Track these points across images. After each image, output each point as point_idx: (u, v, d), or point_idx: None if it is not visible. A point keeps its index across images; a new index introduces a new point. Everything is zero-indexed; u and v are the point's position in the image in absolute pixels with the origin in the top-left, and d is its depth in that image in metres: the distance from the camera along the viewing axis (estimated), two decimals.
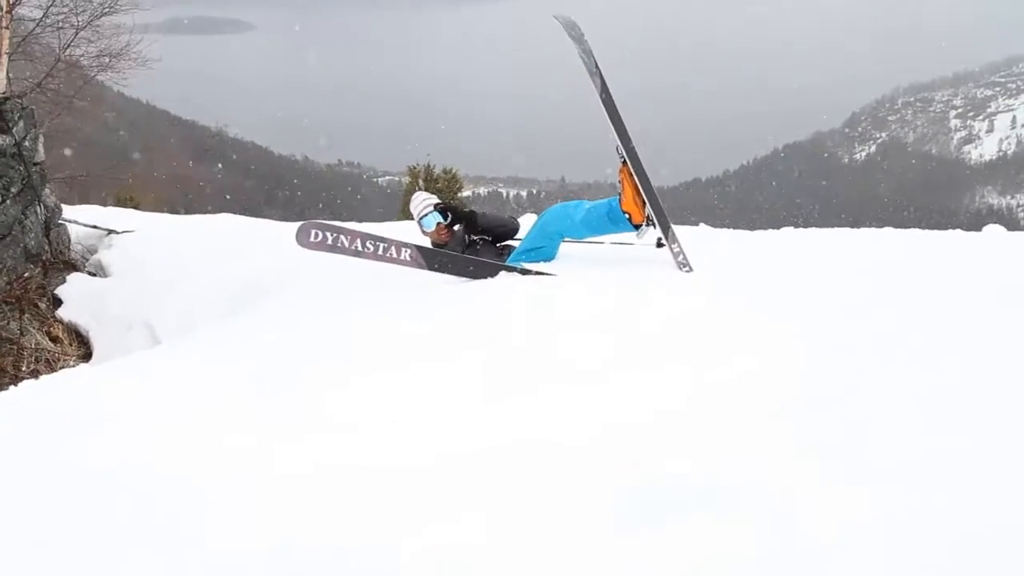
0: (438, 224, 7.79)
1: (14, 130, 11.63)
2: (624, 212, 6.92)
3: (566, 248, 7.46)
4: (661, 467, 2.59)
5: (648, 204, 6.85)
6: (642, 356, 3.85)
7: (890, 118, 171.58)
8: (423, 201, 7.89)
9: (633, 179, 6.87)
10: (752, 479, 2.46)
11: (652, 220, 6.86)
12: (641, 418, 3.06)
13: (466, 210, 8.06)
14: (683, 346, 3.97)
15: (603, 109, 7.16)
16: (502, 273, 6.87)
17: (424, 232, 7.89)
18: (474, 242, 7.82)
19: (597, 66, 7.18)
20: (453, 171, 26.20)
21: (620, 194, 6.98)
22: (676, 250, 6.80)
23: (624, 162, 6.94)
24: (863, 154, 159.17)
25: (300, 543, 2.28)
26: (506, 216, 8.23)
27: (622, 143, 6.99)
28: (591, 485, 2.50)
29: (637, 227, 6.94)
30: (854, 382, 3.22)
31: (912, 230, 9.65)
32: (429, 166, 25.66)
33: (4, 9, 19.32)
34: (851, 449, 2.61)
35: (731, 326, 4.28)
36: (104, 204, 20.42)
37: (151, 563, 2.26)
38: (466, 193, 29.86)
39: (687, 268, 6.69)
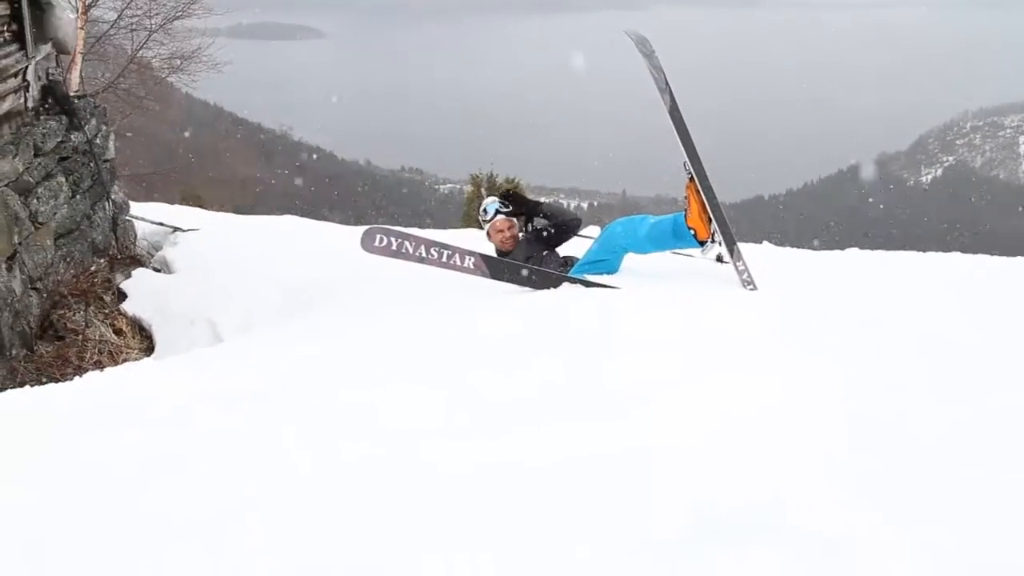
0: (502, 222, 7.81)
1: (86, 127, 11.82)
2: (690, 228, 6.88)
3: (628, 261, 7.42)
4: (721, 491, 2.57)
5: (714, 220, 6.80)
6: (704, 377, 3.81)
7: (958, 142, 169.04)
8: (488, 198, 7.95)
9: (700, 195, 6.83)
10: (808, 507, 2.43)
11: (717, 237, 6.81)
12: (698, 441, 3.03)
13: (530, 199, 8.07)
14: (745, 367, 3.93)
15: (672, 125, 7.12)
16: (565, 284, 6.86)
17: (486, 227, 7.91)
18: (539, 252, 7.80)
19: (667, 82, 7.14)
20: (515, 180, 26.21)
21: (686, 210, 6.94)
22: (741, 268, 6.74)
23: (691, 178, 6.89)
24: (929, 177, 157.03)
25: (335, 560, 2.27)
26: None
27: (690, 160, 6.94)
28: (651, 505, 2.48)
29: (702, 243, 6.89)
30: (909, 414, 3.17)
31: (979, 255, 9.49)
32: (492, 174, 25.69)
33: (80, 11, 19.71)
34: (904, 483, 2.57)
35: (791, 349, 4.23)
36: (170, 202, 20.68)
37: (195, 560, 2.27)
38: None
39: (752, 287, 6.62)
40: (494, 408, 3.45)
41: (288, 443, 3.09)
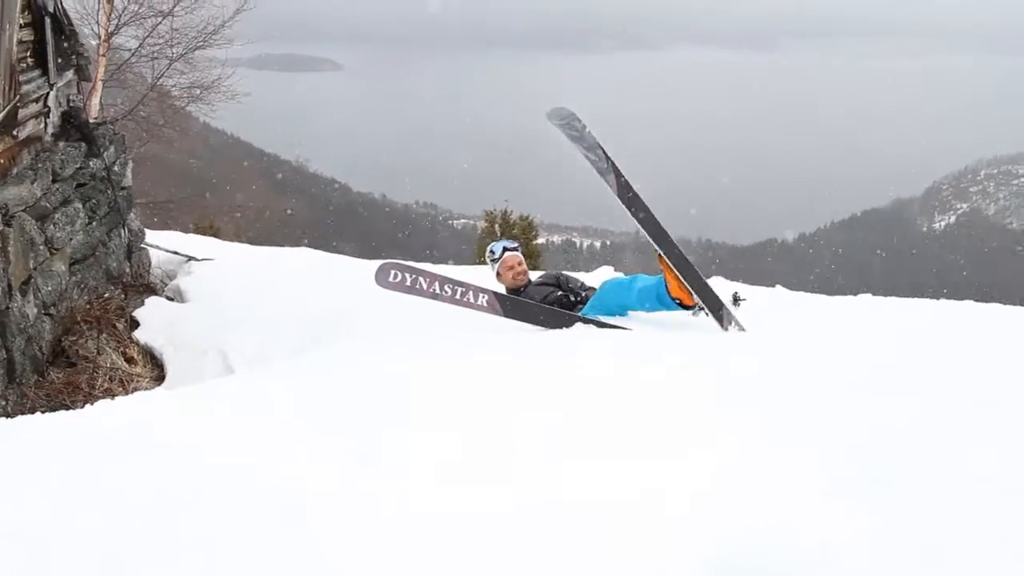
0: (511, 257, 7.82)
1: (105, 154, 11.89)
2: (674, 299, 6.87)
3: None
4: (739, 534, 2.53)
5: (694, 293, 6.79)
6: (709, 423, 3.77)
7: (972, 189, 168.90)
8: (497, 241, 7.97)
9: (674, 271, 6.82)
10: (824, 552, 2.39)
11: (702, 307, 6.80)
12: (713, 485, 2.99)
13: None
14: (745, 413, 3.89)
15: (625, 209, 7.12)
16: (578, 324, 6.85)
17: (496, 266, 7.91)
18: (552, 292, 7.79)
19: (609, 160, 7.08)
20: (530, 218, 26.25)
21: (666, 281, 6.93)
22: (733, 329, 6.75)
23: (659, 255, 6.89)
24: (942, 224, 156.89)
25: None
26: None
27: (655, 242, 6.91)
28: (666, 551, 2.45)
29: (690, 308, 6.90)
30: (913, 462, 3.12)
31: (993, 305, 9.45)
32: (506, 211, 25.74)
33: (102, 38, 19.89)
34: (917, 528, 2.53)
35: (794, 395, 4.18)
36: (185, 231, 20.75)
37: None
38: (540, 241, 29.86)
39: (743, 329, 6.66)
40: (509, 450, 3.41)
41: (299, 477, 3.06)
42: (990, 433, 3.46)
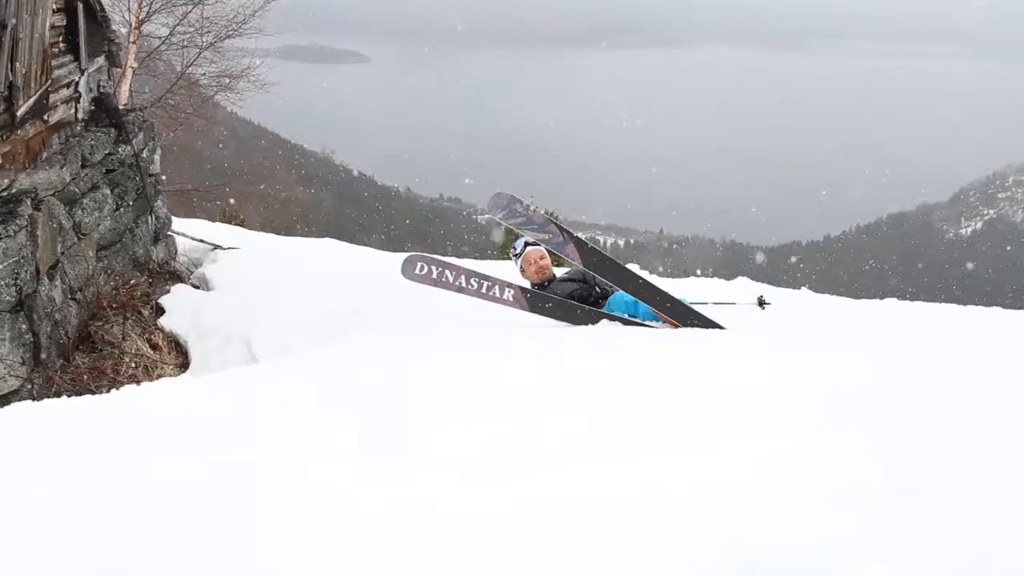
0: (533, 252, 7.79)
1: (134, 141, 11.92)
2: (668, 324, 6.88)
3: None
4: (758, 536, 2.50)
5: (678, 325, 6.79)
6: (736, 423, 3.74)
7: (999, 195, 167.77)
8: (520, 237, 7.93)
9: (666, 317, 6.83)
10: (847, 560, 2.36)
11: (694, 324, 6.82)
12: (738, 481, 2.96)
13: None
14: (771, 415, 3.85)
15: (593, 275, 7.15)
16: (603, 321, 6.83)
17: (519, 262, 7.89)
18: (579, 287, 7.76)
19: (564, 232, 7.06)
20: (555, 213, 26.21)
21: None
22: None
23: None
24: (969, 230, 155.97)
25: None
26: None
27: (639, 297, 6.90)
28: (688, 553, 2.42)
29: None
30: (941, 471, 3.08)
31: (1022, 311, 9.37)
32: (530, 208, 25.69)
33: (132, 25, 19.96)
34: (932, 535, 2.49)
35: (818, 399, 4.14)
36: (211, 219, 20.81)
37: None
38: None
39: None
40: (533, 450, 3.39)
41: (312, 476, 3.04)
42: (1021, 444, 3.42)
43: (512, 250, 8.09)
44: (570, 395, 4.19)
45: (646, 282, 6.97)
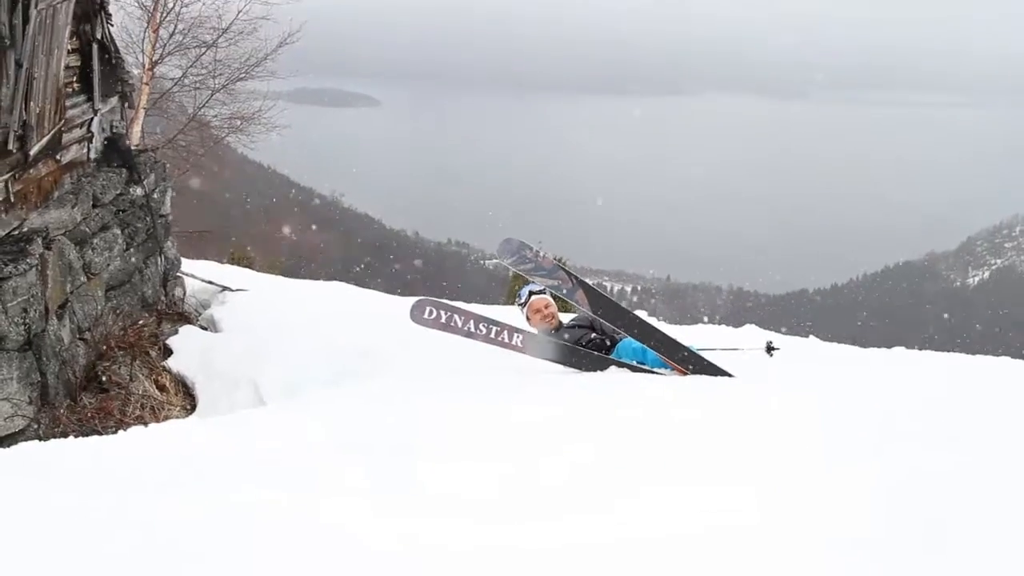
0: (539, 300, 7.77)
1: (145, 182, 11.97)
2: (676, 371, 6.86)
3: None
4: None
5: (687, 372, 6.77)
6: (748, 466, 3.71)
7: (1007, 245, 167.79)
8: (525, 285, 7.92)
9: (675, 365, 6.82)
10: None
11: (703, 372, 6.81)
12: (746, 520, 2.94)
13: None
14: (786, 457, 3.82)
15: (602, 322, 7.16)
16: (612, 367, 6.81)
17: (524, 311, 7.87)
18: (586, 333, 7.72)
19: (573, 278, 7.06)
20: (562, 259, 26.21)
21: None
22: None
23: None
24: (976, 279, 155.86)
25: None
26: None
27: (649, 345, 6.90)
28: None
29: None
30: (955, 512, 3.04)
31: None
32: (539, 254, 25.70)
33: (145, 67, 20.11)
34: None
35: (831, 443, 4.10)
36: (220, 261, 20.84)
37: None
38: None
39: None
40: (539, 496, 3.36)
41: (325, 515, 3.02)
42: None
43: (517, 298, 8.08)
44: (579, 437, 4.17)
45: (655, 328, 6.95)
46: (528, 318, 7.82)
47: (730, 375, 6.70)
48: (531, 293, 7.84)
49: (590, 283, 7.17)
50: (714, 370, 6.75)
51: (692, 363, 6.77)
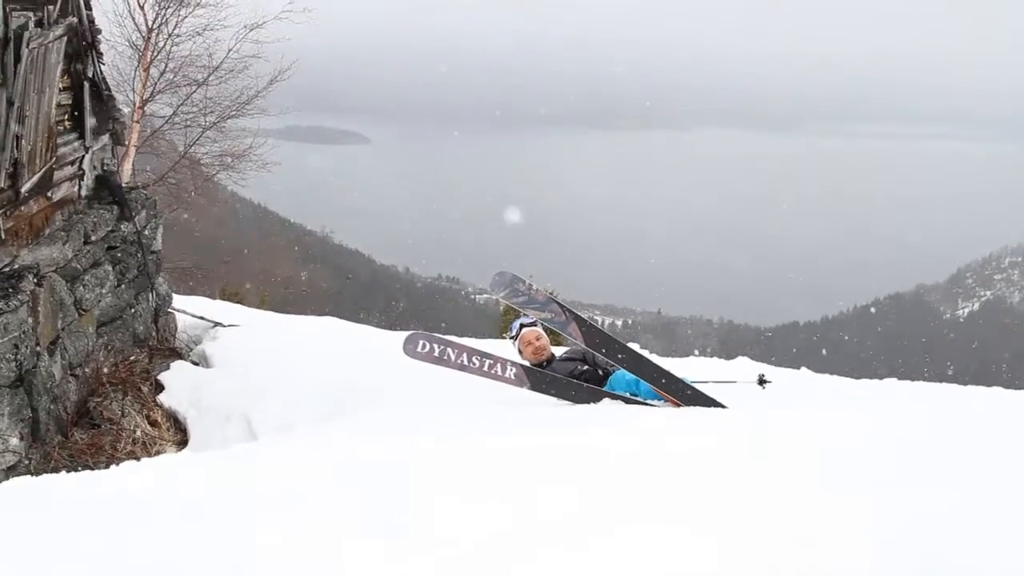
0: (529, 333, 7.77)
1: (136, 218, 11.98)
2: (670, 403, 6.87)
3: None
4: None
5: (681, 404, 6.78)
6: (746, 502, 3.70)
7: (996, 276, 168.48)
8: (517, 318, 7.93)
9: (669, 396, 6.83)
10: None
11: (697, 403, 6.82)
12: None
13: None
14: (782, 492, 3.81)
15: (594, 354, 7.17)
16: (605, 400, 6.82)
17: (515, 344, 7.87)
18: (579, 366, 7.73)
19: (566, 311, 7.08)
20: (553, 293, 26.24)
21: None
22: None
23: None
24: (966, 311, 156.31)
25: None
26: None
27: (643, 377, 6.91)
28: None
29: None
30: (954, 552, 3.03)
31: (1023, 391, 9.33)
32: (532, 287, 25.75)
33: (136, 105, 20.18)
34: None
35: (827, 481, 4.09)
36: (211, 297, 20.83)
37: None
38: None
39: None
40: (536, 531, 3.36)
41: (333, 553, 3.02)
42: None
43: (509, 331, 8.09)
44: (569, 471, 4.16)
45: (648, 361, 6.95)
46: (520, 351, 7.82)
47: (724, 406, 6.71)
48: (522, 326, 7.85)
49: (583, 316, 7.18)
50: (708, 402, 6.75)
51: (685, 395, 6.78)
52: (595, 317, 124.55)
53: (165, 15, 20.82)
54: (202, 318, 13.63)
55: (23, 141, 8.73)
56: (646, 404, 6.80)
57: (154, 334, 12.26)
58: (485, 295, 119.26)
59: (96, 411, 9.38)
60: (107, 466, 6.10)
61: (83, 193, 11.20)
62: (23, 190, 8.94)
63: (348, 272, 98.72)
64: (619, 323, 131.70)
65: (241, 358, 11.34)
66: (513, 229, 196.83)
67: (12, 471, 7.51)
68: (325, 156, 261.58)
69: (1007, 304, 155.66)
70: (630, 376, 7.02)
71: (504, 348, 8.64)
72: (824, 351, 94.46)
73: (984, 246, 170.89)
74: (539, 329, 7.80)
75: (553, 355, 7.90)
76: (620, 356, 6.94)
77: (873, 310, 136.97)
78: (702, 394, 6.82)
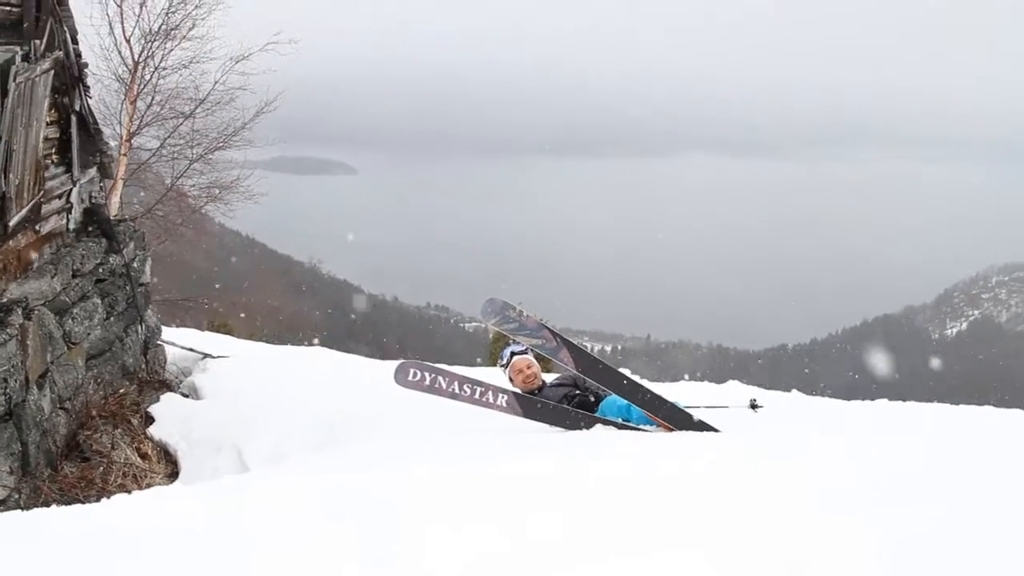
0: (520, 361, 7.79)
1: (124, 251, 11.97)
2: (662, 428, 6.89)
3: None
4: None
5: (673, 428, 6.80)
6: (737, 526, 3.69)
7: (983, 296, 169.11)
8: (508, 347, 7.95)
9: (661, 421, 6.85)
10: None
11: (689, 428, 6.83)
12: None
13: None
14: (774, 516, 3.80)
15: (586, 379, 7.19)
16: (598, 426, 6.82)
17: (506, 372, 7.87)
18: (570, 392, 7.74)
19: (558, 338, 7.11)
20: (542, 320, 26.25)
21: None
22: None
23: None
24: (954, 330, 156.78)
25: None
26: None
27: (634, 401, 6.94)
28: None
29: None
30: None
31: (1015, 410, 9.38)
32: (522, 313, 25.80)
33: (123, 138, 20.19)
34: None
35: (819, 503, 4.07)
36: (200, 328, 20.79)
37: None
38: None
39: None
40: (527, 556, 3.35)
41: None
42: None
43: (500, 359, 8.10)
44: (557, 497, 4.16)
45: (640, 385, 6.96)
46: (511, 379, 7.82)
47: (716, 430, 6.72)
48: (513, 354, 7.86)
49: (575, 342, 7.20)
50: (700, 426, 6.76)
51: (678, 419, 6.78)
52: (584, 343, 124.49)
53: (151, 48, 20.84)
54: (191, 350, 13.61)
55: (11, 175, 8.73)
56: (638, 429, 6.81)
57: (143, 366, 12.21)
58: (475, 323, 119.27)
59: (86, 444, 9.33)
60: (98, 499, 6.07)
61: (71, 226, 11.19)
62: (11, 224, 8.93)
63: (336, 302, 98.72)
64: (608, 348, 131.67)
65: (231, 389, 11.31)
66: (501, 256, 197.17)
67: (1, 505, 7.46)
68: (312, 186, 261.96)
69: (995, 323, 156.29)
70: (622, 401, 7.03)
71: (495, 375, 8.64)
72: (814, 374, 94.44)
73: (971, 266, 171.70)
74: (530, 357, 7.82)
75: (544, 382, 7.90)
76: (612, 382, 6.95)
77: (862, 331, 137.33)
78: (695, 418, 6.83)
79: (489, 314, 7.17)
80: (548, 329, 7.11)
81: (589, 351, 7.28)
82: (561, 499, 4.13)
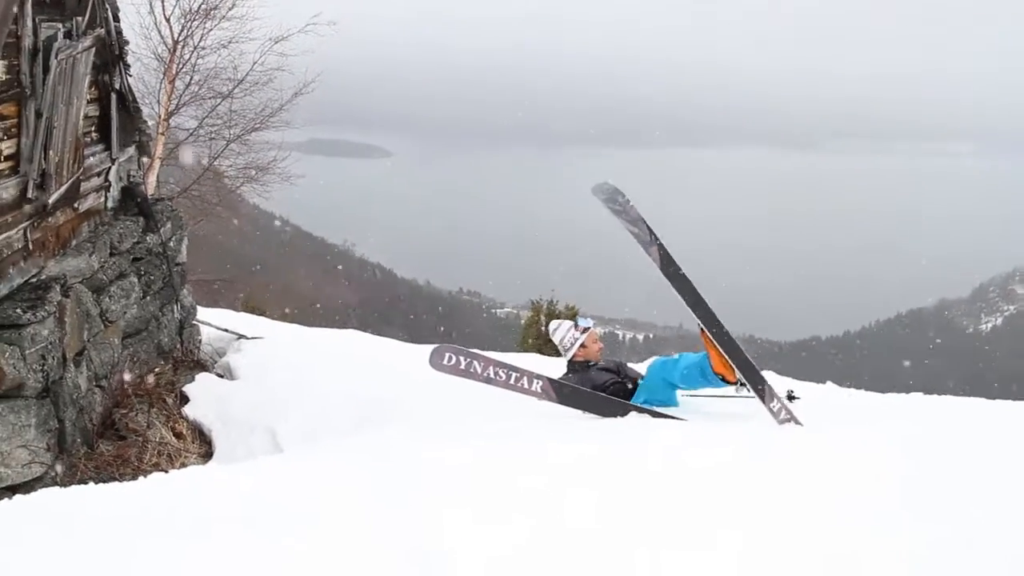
0: (596, 331, 7.82)
1: (162, 230, 12.01)
2: (717, 374, 6.79)
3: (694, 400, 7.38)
4: None
5: (736, 370, 6.69)
6: (759, 523, 3.62)
7: (1019, 291, 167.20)
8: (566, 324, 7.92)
9: (715, 346, 6.75)
10: None
11: (744, 383, 6.71)
12: None
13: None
14: (800, 515, 3.72)
15: (669, 284, 7.09)
16: (632, 413, 6.76)
17: (582, 337, 7.80)
18: (610, 378, 7.68)
19: (652, 235, 7.06)
20: (574, 309, 26.18)
21: (708, 356, 6.88)
22: (776, 408, 6.64)
23: (702, 329, 6.86)
24: (989, 325, 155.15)
25: None
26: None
27: (696, 312, 6.87)
28: None
29: (733, 384, 6.82)
30: None
31: None
32: (552, 302, 25.75)
33: (161, 117, 20.26)
34: None
35: (854, 501, 4.00)
36: (234, 309, 20.86)
37: None
38: None
39: (793, 422, 6.68)
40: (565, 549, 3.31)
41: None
42: None
43: (573, 325, 8.02)
44: (606, 490, 4.11)
45: (718, 323, 6.92)
46: (584, 344, 7.77)
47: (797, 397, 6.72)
48: (587, 330, 7.90)
49: (669, 255, 7.18)
50: (760, 383, 6.71)
51: (745, 370, 6.72)
52: (615, 332, 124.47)
53: (191, 28, 20.90)
54: (226, 330, 13.65)
55: (51, 152, 8.75)
56: (672, 418, 6.74)
57: (179, 346, 12.27)
58: (506, 309, 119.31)
59: (121, 423, 9.38)
60: (133, 477, 6.08)
61: (109, 204, 11.24)
62: (50, 201, 8.96)
63: (369, 285, 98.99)
64: (640, 337, 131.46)
65: (265, 370, 11.34)
66: (535, 242, 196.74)
67: (38, 482, 7.50)
68: (347, 169, 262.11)
69: None
70: (659, 388, 7.00)
71: (530, 360, 8.61)
72: (847, 366, 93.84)
73: (1007, 260, 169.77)
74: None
75: (597, 360, 7.88)
76: (691, 298, 6.97)
77: (896, 324, 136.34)
78: (755, 369, 6.80)
79: (600, 192, 7.31)
80: (646, 224, 7.14)
81: (674, 260, 7.23)
82: (598, 487, 4.08)
